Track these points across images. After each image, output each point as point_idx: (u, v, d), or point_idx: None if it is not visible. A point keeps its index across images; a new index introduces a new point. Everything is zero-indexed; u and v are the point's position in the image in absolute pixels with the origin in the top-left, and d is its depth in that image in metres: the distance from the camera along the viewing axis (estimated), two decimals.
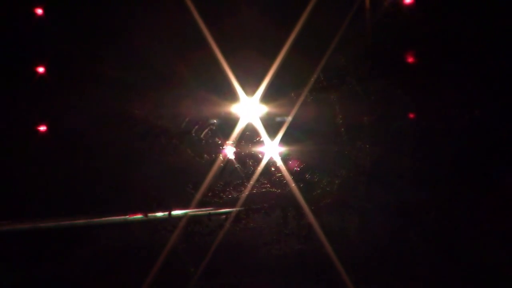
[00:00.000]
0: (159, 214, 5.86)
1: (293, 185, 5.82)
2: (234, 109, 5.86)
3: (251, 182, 5.83)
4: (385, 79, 5.96)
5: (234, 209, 5.87)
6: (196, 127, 5.88)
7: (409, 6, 5.93)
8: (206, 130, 5.87)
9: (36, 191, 6.00)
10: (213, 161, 5.80)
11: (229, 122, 5.85)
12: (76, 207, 5.95)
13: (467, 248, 5.65)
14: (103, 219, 5.96)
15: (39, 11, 6.18)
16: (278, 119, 5.92)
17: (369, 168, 5.95)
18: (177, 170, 5.90)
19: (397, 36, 5.95)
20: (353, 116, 6.01)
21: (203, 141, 5.86)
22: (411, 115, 6.02)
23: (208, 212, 5.85)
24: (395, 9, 5.94)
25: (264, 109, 5.87)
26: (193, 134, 5.88)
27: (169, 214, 5.79)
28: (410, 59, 5.99)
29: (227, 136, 5.84)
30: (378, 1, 5.98)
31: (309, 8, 5.65)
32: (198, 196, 5.77)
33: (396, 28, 5.94)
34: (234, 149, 5.84)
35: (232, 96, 5.80)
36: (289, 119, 5.87)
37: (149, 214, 5.83)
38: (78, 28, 6.10)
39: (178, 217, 5.82)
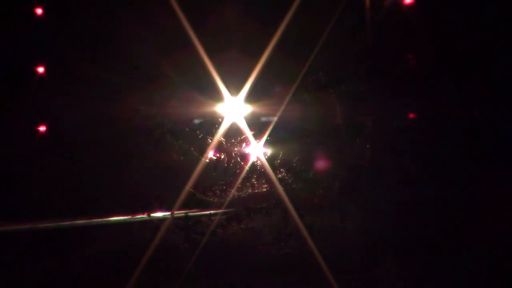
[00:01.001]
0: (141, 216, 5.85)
1: (279, 185, 5.78)
2: (219, 108, 5.83)
3: (237, 184, 5.79)
4: (385, 79, 5.96)
5: (219, 210, 5.82)
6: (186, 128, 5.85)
7: (409, 6, 5.93)
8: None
9: (34, 191, 6.01)
10: (198, 161, 5.77)
11: (215, 122, 5.81)
12: (71, 207, 5.97)
13: (467, 248, 5.65)
14: (99, 219, 5.96)
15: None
16: (263, 119, 5.90)
17: (369, 168, 5.95)
18: (163, 170, 5.89)
19: (397, 36, 5.95)
20: (352, 116, 6.02)
21: (189, 141, 5.82)
22: (411, 115, 6.02)
23: (186, 213, 5.81)
24: (395, 9, 5.94)
25: (249, 108, 5.84)
26: (179, 134, 5.85)
27: (172, 214, 5.78)
28: (410, 59, 6.00)
29: (212, 136, 5.81)
30: (378, 1, 5.98)
31: (294, 7, 5.60)
32: (182, 196, 5.72)
33: (396, 28, 5.94)
34: (219, 149, 5.80)
35: (217, 96, 5.76)
36: (275, 119, 5.86)
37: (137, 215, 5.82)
38: (67, 30, 6.11)
39: (160, 219, 5.79)
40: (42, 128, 6.29)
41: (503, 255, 5.51)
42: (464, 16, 5.86)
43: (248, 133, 5.75)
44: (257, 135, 5.79)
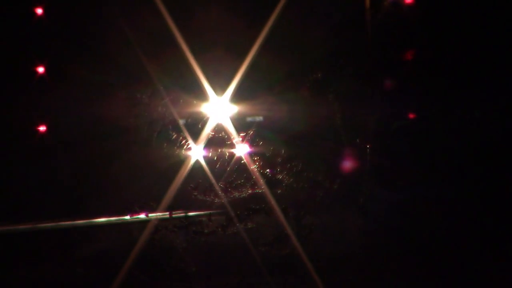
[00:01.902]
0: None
1: (264, 186, 5.76)
2: (205, 108, 5.80)
3: (221, 185, 5.75)
4: (386, 79, 5.95)
5: (205, 212, 5.79)
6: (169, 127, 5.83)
7: (409, 6, 5.93)
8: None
9: (30, 192, 6.00)
10: (182, 162, 5.75)
11: (200, 122, 5.80)
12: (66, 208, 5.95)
13: (467, 248, 5.64)
14: (98, 220, 5.95)
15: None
16: (249, 119, 5.86)
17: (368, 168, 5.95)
18: (145, 172, 5.88)
19: (396, 36, 5.95)
20: (351, 116, 6.01)
21: (173, 141, 5.80)
22: (411, 115, 6.02)
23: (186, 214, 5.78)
24: (395, 9, 5.94)
25: (235, 108, 5.81)
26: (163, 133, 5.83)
27: (170, 214, 5.77)
28: (409, 59, 5.99)
29: (197, 135, 5.79)
30: (378, 1, 5.99)
31: (280, 6, 5.58)
32: (167, 198, 5.69)
33: (395, 28, 5.94)
34: (204, 149, 5.78)
35: (203, 96, 5.74)
36: (259, 118, 5.84)
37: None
38: (52, 30, 6.09)
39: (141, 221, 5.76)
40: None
41: (503, 255, 5.51)
42: (464, 16, 5.85)
43: (235, 133, 5.73)
44: (244, 135, 5.76)
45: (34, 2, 6.25)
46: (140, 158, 5.92)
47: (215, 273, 5.54)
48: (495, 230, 5.66)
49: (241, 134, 5.76)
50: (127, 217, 5.86)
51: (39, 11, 6.22)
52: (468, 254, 5.60)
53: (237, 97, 5.77)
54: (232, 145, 5.76)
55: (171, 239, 5.69)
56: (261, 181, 5.81)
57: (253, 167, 5.79)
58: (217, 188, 5.75)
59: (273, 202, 5.77)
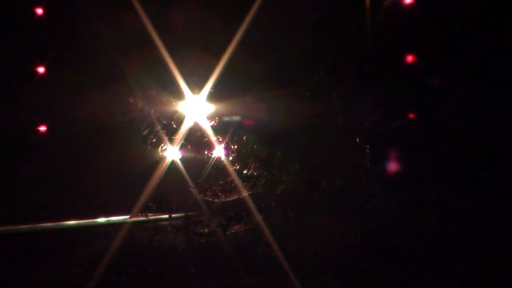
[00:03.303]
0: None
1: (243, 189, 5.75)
2: (181, 108, 5.76)
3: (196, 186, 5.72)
4: (385, 79, 5.96)
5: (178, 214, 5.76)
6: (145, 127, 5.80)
7: (409, 6, 5.93)
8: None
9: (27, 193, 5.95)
10: (157, 163, 5.71)
11: (176, 122, 5.76)
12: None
13: (467, 248, 5.66)
14: (98, 219, 5.92)
15: None
16: (226, 119, 5.84)
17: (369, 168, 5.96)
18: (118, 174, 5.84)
19: (396, 36, 5.96)
20: (351, 116, 6.02)
21: (148, 141, 5.77)
22: (411, 115, 6.03)
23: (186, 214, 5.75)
24: (395, 9, 5.94)
25: (212, 108, 5.78)
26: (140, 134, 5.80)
27: (170, 217, 5.75)
28: (409, 59, 6.00)
29: (173, 136, 5.76)
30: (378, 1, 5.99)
31: (257, 4, 5.55)
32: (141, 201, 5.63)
33: (395, 28, 5.94)
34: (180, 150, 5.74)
35: (179, 95, 5.70)
36: (237, 118, 5.83)
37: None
38: (26, 30, 6.04)
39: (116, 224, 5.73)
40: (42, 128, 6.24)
41: (503, 255, 5.53)
42: (464, 16, 5.87)
43: (211, 133, 5.70)
44: (221, 136, 5.74)
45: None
46: (119, 157, 5.87)
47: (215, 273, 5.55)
48: (495, 231, 5.68)
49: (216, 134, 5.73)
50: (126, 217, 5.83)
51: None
52: (468, 254, 5.62)
53: (215, 96, 5.73)
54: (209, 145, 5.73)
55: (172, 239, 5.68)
56: (261, 181, 5.81)
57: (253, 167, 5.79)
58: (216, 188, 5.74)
59: (272, 202, 5.77)
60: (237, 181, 5.77)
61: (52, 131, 6.08)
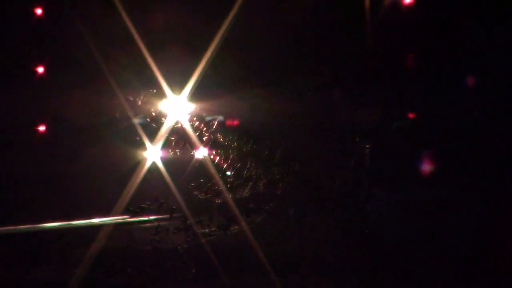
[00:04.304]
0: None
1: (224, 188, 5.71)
2: (162, 107, 5.72)
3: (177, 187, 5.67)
4: (385, 79, 5.96)
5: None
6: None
7: (409, 6, 5.94)
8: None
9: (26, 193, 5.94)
10: (137, 164, 5.68)
11: (158, 121, 5.73)
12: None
13: (467, 249, 5.66)
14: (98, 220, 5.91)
15: None
16: (208, 118, 5.82)
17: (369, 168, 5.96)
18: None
19: (397, 35, 5.96)
20: (351, 116, 6.02)
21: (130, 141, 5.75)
22: (411, 115, 6.04)
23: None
24: (395, 9, 5.94)
25: (193, 107, 5.76)
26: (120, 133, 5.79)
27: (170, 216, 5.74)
28: (409, 59, 6.01)
29: (154, 135, 5.73)
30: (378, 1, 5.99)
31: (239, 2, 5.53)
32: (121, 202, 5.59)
33: (396, 28, 5.95)
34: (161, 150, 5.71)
35: (160, 94, 5.68)
36: (220, 117, 5.81)
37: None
38: (12, 31, 6.02)
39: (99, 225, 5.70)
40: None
41: (503, 256, 5.53)
42: (464, 16, 5.87)
43: (192, 133, 5.69)
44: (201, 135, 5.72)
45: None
46: (100, 158, 5.85)
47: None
48: (496, 231, 5.68)
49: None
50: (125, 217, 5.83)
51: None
52: (468, 254, 5.61)
53: (196, 95, 5.70)
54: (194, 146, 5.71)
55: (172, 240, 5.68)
56: (261, 181, 5.81)
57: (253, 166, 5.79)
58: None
59: (273, 202, 5.76)
60: (237, 181, 5.77)
61: (38, 130, 6.07)
